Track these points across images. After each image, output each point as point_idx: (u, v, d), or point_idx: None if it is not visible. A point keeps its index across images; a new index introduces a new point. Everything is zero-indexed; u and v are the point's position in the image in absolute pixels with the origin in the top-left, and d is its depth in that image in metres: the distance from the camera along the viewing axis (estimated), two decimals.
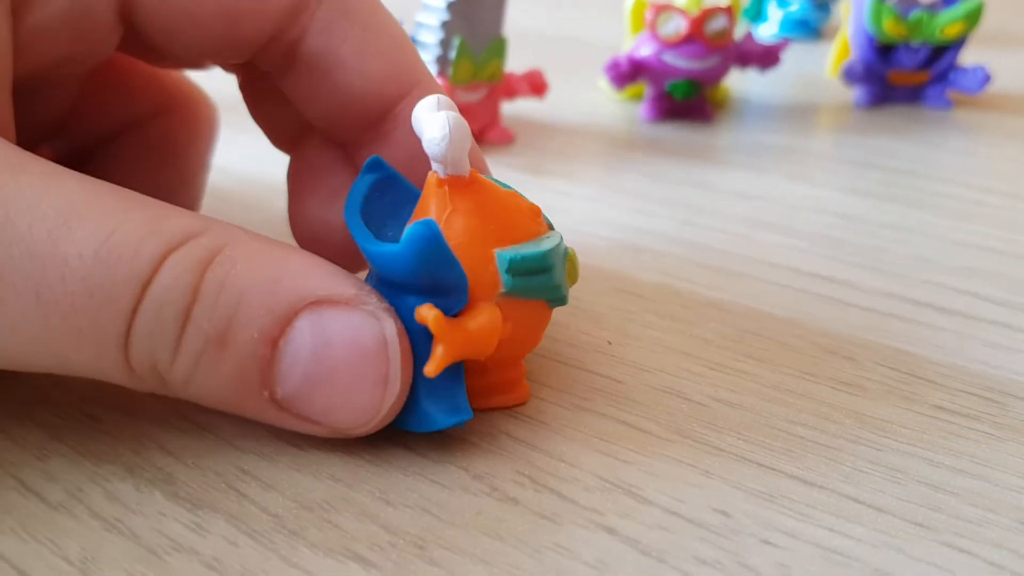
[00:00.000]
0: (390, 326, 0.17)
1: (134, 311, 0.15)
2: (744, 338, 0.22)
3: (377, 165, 0.19)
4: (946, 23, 0.37)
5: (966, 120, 0.39)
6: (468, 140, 0.17)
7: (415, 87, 0.20)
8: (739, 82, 0.43)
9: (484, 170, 0.21)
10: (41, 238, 0.15)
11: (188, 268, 0.16)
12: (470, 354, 0.17)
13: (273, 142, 0.23)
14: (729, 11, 0.36)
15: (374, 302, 0.17)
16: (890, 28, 0.37)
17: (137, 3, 0.18)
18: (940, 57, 0.39)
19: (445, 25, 0.32)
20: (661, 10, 0.35)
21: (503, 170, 0.33)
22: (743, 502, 0.17)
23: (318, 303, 0.17)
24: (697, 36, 0.35)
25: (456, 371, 0.18)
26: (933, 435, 0.19)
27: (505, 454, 0.18)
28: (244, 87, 0.22)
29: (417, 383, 0.17)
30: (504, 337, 0.18)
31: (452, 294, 0.17)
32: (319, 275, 0.17)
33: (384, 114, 0.20)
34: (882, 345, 0.22)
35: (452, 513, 0.17)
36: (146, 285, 0.15)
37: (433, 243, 0.16)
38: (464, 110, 0.33)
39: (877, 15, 0.37)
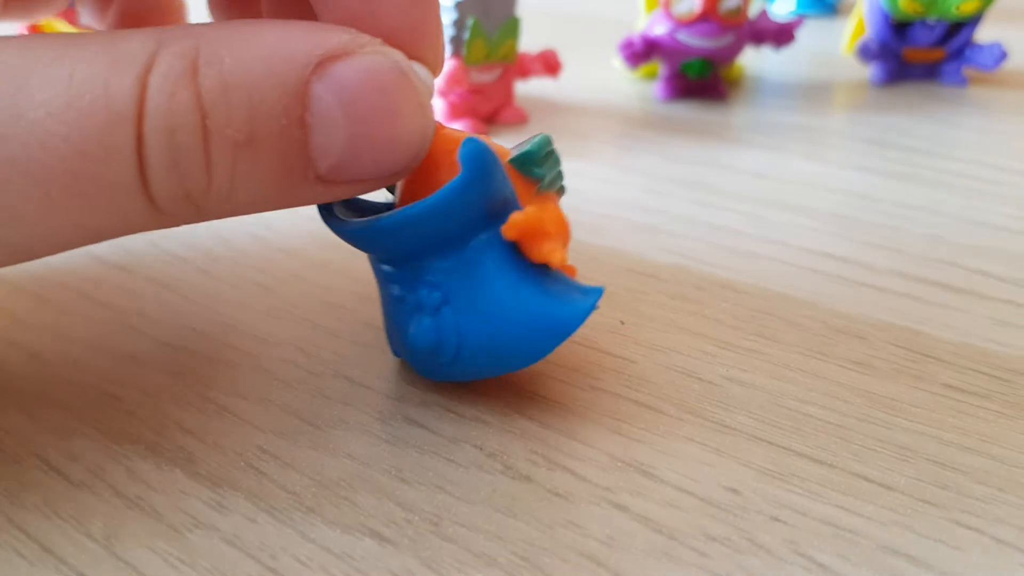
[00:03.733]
0: (399, 55, 0.16)
1: (139, 152, 0.15)
2: (756, 318, 0.23)
3: None
4: (962, 0, 0.37)
5: (982, 97, 0.39)
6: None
7: None
8: (754, 60, 0.43)
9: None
10: (3, 117, 0.14)
11: (177, 83, 0.15)
12: (562, 231, 0.18)
13: None
14: None
15: (368, 39, 0.16)
16: (906, 5, 0.37)
17: None
18: (956, 34, 0.39)
19: (459, 5, 0.32)
20: None
21: None
22: (753, 480, 0.17)
23: (321, 64, 0.16)
24: (711, 15, 0.35)
25: (547, 270, 0.18)
26: (942, 413, 0.19)
27: (519, 433, 0.18)
28: None
29: (541, 294, 0.17)
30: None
31: (507, 207, 0.17)
32: (303, 35, 0.16)
33: None
34: (892, 324, 0.22)
35: (466, 490, 0.17)
36: (139, 119, 0.14)
37: (488, 152, 0.16)
38: (478, 90, 0.34)
39: None
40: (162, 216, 0.16)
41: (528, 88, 0.38)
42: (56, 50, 0.15)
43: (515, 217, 0.17)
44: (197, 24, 0.16)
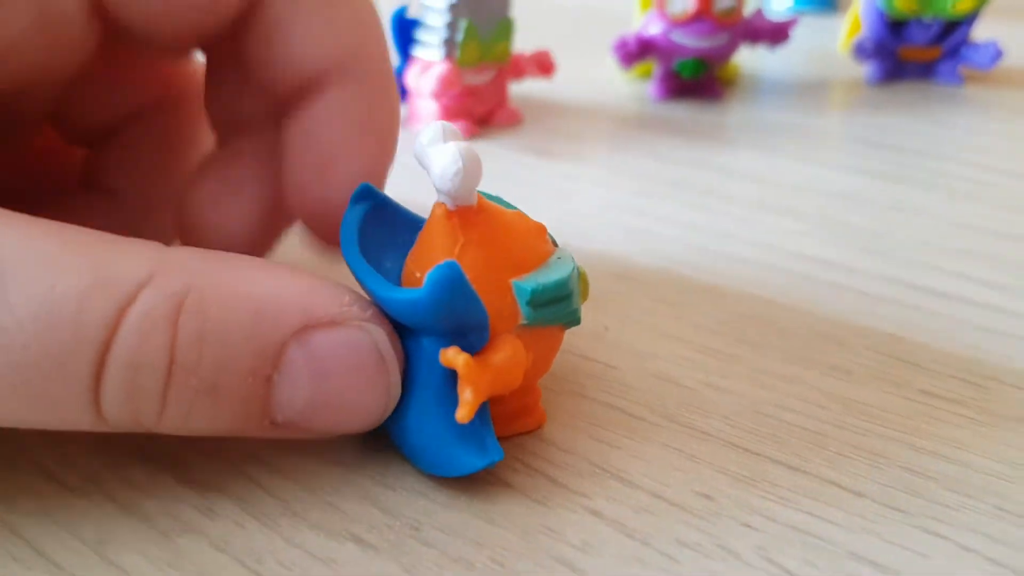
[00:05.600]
0: (381, 335, 0.17)
1: (96, 378, 0.15)
2: (738, 323, 0.23)
3: (367, 193, 0.19)
4: None
5: (978, 97, 0.39)
6: (480, 172, 0.16)
7: (353, 68, 0.20)
8: (750, 58, 0.43)
9: None
10: None
11: (156, 325, 0.15)
12: (499, 391, 0.17)
13: (213, 127, 0.22)
14: None
15: (357, 312, 0.17)
16: (901, 3, 0.37)
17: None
18: (952, 33, 0.39)
19: (452, 7, 0.32)
20: None
21: (510, 152, 0.33)
22: (726, 486, 0.18)
23: (304, 331, 0.16)
24: (706, 14, 0.35)
25: (483, 411, 0.17)
26: (917, 420, 0.20)
27: (501, 440, 0.19)
28: (209, 69, 0.22)
29: (444, 428, 0.17)
30: (526, 367, 0.18)
31: (473, 332, 0.17)
32: (297, 296, 0.16)
33: (320, 91, 0.20)
34: (874, 329, 0.23)
35: (447, 496, 0.17)
36: (105, 349, 0.14)
37: (458, 285, 0.16)
38: (472, 92, 0.34)
39: None
40: (110, 427, 0.16)
41: (522, 89, 0.39)
42: (51, 250, 0.15)
43: (452, 357, 0.16)
44: (197, 255, 0.16)
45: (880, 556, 0.16)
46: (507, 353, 0.17)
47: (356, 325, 0.17)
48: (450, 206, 0.17)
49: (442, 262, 0.16)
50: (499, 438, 0.18)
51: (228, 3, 0.19)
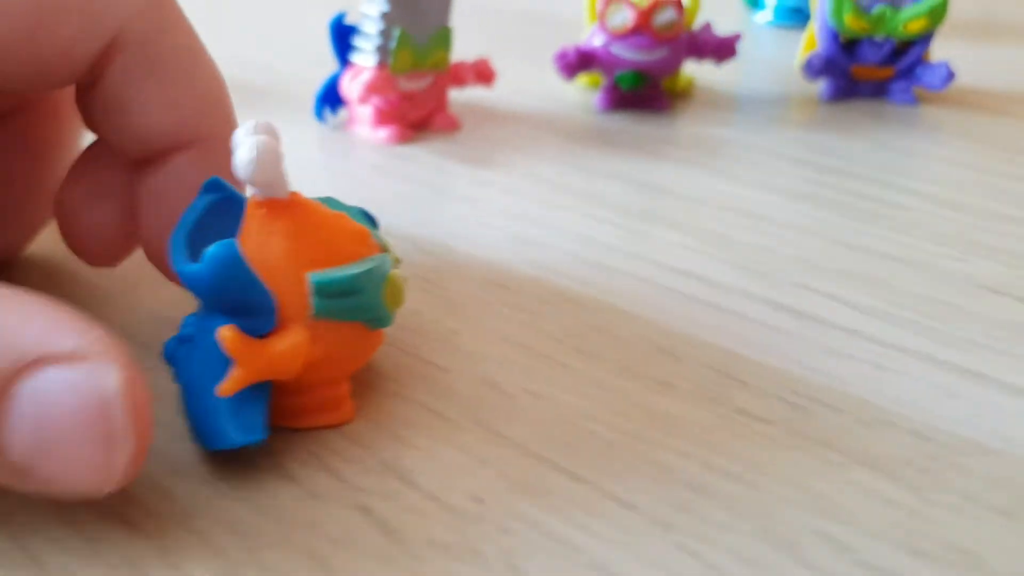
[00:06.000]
0: (112, 379, 0.15)
1: None
2: (585, 333, 0.23)
3: (215, 186, 0.20)
4: (909, 18, 0.36)
5: (927, 117, 0.38)
6: (278, 164, 0.18)
7: (198, 142, 0.21)
8: (708, 72, 0.43)
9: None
10: None
11: None
12: (272, 376, 0.18)
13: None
14: (678, 4, 0.36)
15: (98, 351, 0.15)
16: (851, 22, 0.37)
17: None
18: (906, 52, 0.38)
19: (384, 16, 0.33)
20: (611, 2, 0.36)
21: (433, 157, 0.34)
22: (503, 491, 0.18)
23: (37, 363, 0.15)
24: (644, 28, 0.35)
25: (259, 390, 0.18)
26: (721, 436, 0.19)
27: (306, 435, 0.19)
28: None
29: (217, 400, 0.18)
30: (315, 359, 0.18)
31: (259, 315, 0.18)
32: (37, 329, 0.15)
33: (166, 158, 0.21)
34: (716, 346, 0.23)
35: (231, 486, 0.18)
36: None
37: (231, 263, 0.17)
38: (409, 98, 0.35)
39: (838, 8, 0.37)
40: None
41: (472, 96, 0.39)
42: None
43: (222, 333, 0.17)
44: None
45: (622, 569, 0.16)
46: (287, 341, 0.18)
47: (89, 366, 0.15)
48: (259, 197, 0.18)
49: (222, 240, 0.17)
50: (301, 429, 0.19)
51: (57, 80, 0.20)
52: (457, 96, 0.38)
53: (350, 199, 0.22)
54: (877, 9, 0.37)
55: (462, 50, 0.38)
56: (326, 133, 0.37)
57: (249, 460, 0.19)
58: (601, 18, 0.36)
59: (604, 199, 0.31)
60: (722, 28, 0.40)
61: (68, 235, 0.23)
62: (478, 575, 0.16)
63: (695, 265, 0.27)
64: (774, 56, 0.46)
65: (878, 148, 0.35)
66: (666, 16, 0.35)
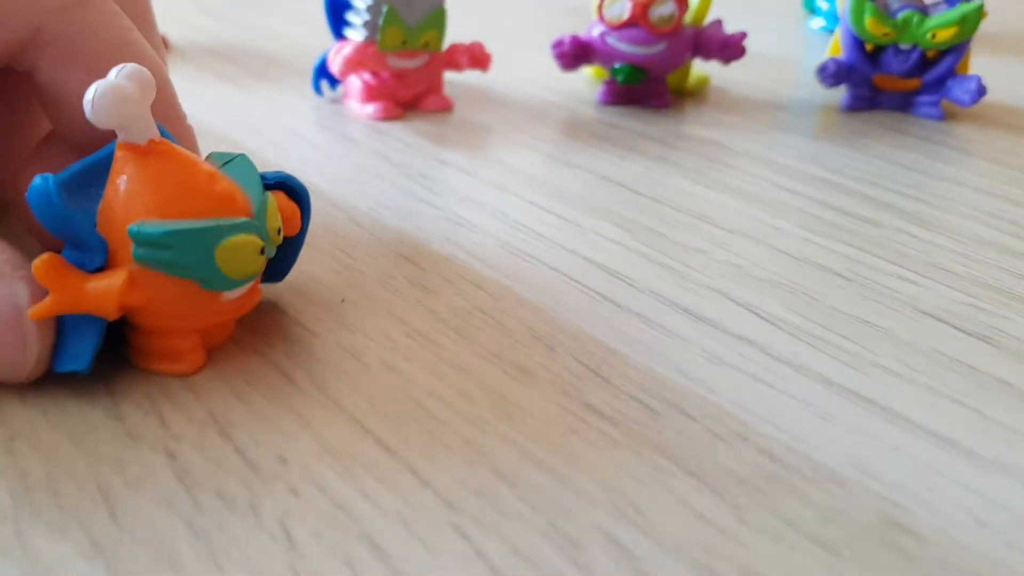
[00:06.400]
0: (23, 293, 0.18)
1: None
2: (471, 315, 0.23)
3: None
4: (937, 26, 0.34)
5: (946, 133, 0.36)
6: (122, 107, 0.18)
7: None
8: (734, 72, 0.41)
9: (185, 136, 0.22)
10: None
11: None
12: (87, 310, 0.18)
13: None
14: None
15: (10, 271, 0.18)
16: (872, 27, 0.35)
17: None
18: (935, 63, 0.35)
19: None
20: None
21: (406, 134, 0.34)
22: (309, 454, 0.18)
23: None
24: (640, 21, 0.34)
25: (93, 325, 0.19)
26: (555, 429, 0.19)
27: (151, 378, 0.20)
28: None
29: (60, 328, 0.19)
30: (137, 304, 0.19)
31: (88, 251, 0.19)
32: None
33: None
34: (597, 342, 0.22)
35: (62, 416, 0.19)
36: None
37: (42, 197, 0.18)
38: (401, 76, 0.35)
39: (858, 12, 0.35)
40: None
41: (471, 77, 0.39)
42: None
43: (36, 261, 0.18)
44: None
45: (389, 543, 0.16)
46: (103, 281, 0.18)
47: (6, 283, 0.18)
48: (121, 140, 0.19)
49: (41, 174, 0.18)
50: (150, 373, 0.20)
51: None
52: (471, 79, 0.38)
53: (319, 169, 0.22)
54: (903, 15, 0.35)
55: (479, 34, 0.38)
56: (322, 104, 0.37)
57: (87, 393, 0.19)
58: (599, 8, 0.35)
59: (558, 189, 0.30)
60: (776, 32, 0.38)
61: (24, 217, 0.24)
62: (247, 531, 0.16)
63: (617, 262, 0.26)
64: (811, 60, 0.44)
65: (872, 160, 0.33)
66: (664, 9, 0.34)
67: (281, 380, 0.20)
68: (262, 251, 0.20)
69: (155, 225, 0.18)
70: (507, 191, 0.30)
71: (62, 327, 0.19)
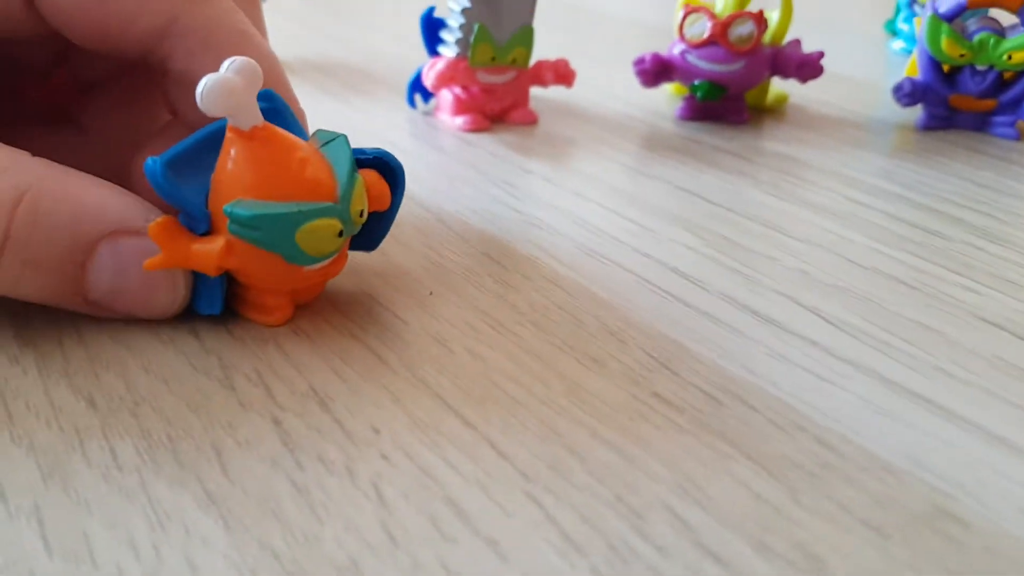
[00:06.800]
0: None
1: None
2: (548, 310, 0.24)
3: (266, 96, 0.23)
4: (1013, 48, 0.34)
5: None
6: (229, 97, 0.20)
7: None
8: (812, 91, 0.42)
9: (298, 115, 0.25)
10: None
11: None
12: (191, 266, 0.22)
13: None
14: (758, 18, 0.36)
15: (153, 219, 0.21)
16: (949, 49, 0.35)
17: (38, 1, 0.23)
18: (1013, 84, 0.36)
19: (465, 12, 0.36)
20: (691, 11, 0.36)
21: (493, 145, 0.36)
22: (399, 426, 0.20)
23: (115, 234, 0.22)
24: (720, 40, 0.36)
25: (218, 279, 0.22)
26: (623, 414, 0.20)
27: (259, 355, 0.22)
28: None
29: (196, 281, 0.23)
30: (232, 266, 0.22)
31: (193, 219, 0.22)
32: (113, 208, 0.22)
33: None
34: (667, 337, 0.23)
35: (181, 386, 0.21)
36: None
37: (151, 177, 0.21)
38: (489, 90, 0.37)
39: (934, 33, 0.35)
40: None
41: (556, 92, 0.41)
42: None
43: (151, 225, 0.21)
44: (44, 163, 0.21)
45: (469, 505, 0.18)
46: (204, 245, 0.21)
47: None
48: (231, 124, 0.21)
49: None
50: (260, 351, 0.22)
51: (123, 48, 0.23)
52: (556, 94, 0.40)
53: (411, 176, 0.24)
54: (978, 37, 0.35)
55: (565, 51, 0.40)
56: (415, 116, 0.40)
57: (202, 366, 0.21)
58: (680, 27, 0.36)
59: (636, 198, 0.32)
60: (857, 53, 0.39)
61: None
62: (343, 490, 0.18)
63: (690, 266, 0.27)
64: (891, 81, 0.45)
65: (945, 176, 0.34)
66: (743, 29, 0.35)
67: (374, 360, 0.22)
68: (340, 233, 0.22)
69: (246, 206, 0.21)
70: (587, 199, 0.32)
71: (197, 280, 0.23)
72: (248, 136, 0.21)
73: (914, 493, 0.18)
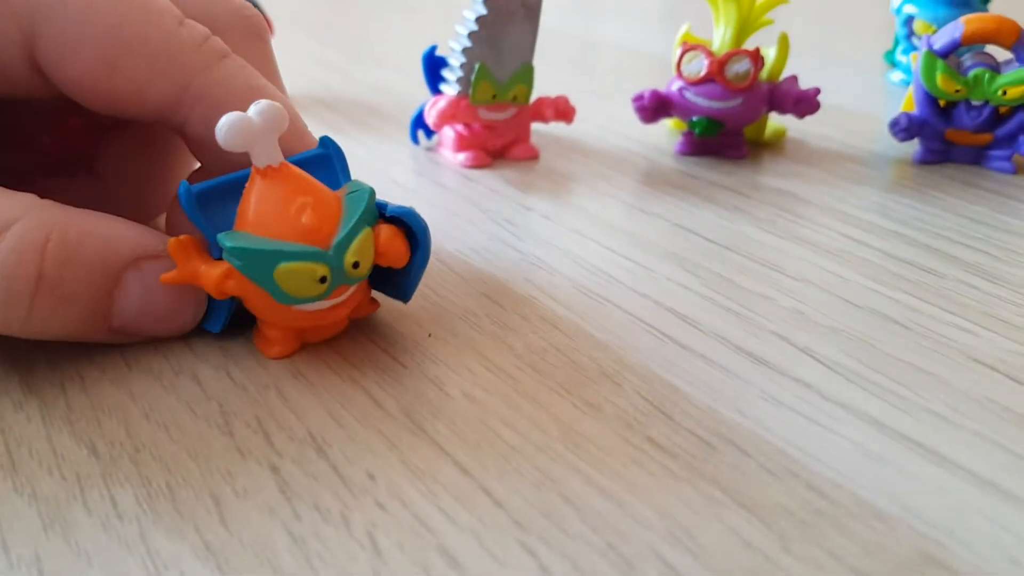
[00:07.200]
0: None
1: None
2: (545, 352, 0.25)
3: (323, 142, 0.24)
4: (1008, 83, 0.35)
5: (1023, 188, 0.36)
6: (240, 138, 0.21)
7: None
8: (809, 125, 0.42)
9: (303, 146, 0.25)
10: None
11: (28, 247, 0.21)
12: (198, 284, 0.23)
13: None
14: (754, 56, 0.36)
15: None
16: (944, 84, 0.36)
17: (47, 70, 0.23)
18: (1009, 118, 0.36)
19: (466, 51, 0.36)
20: (689, 49, 0.37)
21: (494, 181, 0.37)
22: (395, 473, 0.20)
23: (139, 260, 0.23)
24: (717, 77, 0.36)
25: (225, 302, 0.24)
26: (616, 460, 0.20)
27: (259, 400, 0.22)
28: None
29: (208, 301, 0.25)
30: (235, 293, 0.23)
31: (211, 244, 0.23)
32: (133, 237, 0.23)
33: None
34: (662, 380, 0.23)
35: (181, 432, 0.21)
36: None
37: (183, 200, 0.22)
38: (491, 127, 0.38)
39: (929, 69, 0.36)
40: None
41: (557, 127, 0.41)
42: None
43: (170, 241, 0.22)
44: (60, 207, 0.22)
45: (463, 555, 0.18)
46: (209, 268, 0.22)
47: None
48: (254, 162, 0.22)
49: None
50: (261, 399, 0.23)
51: (134, 115, 0.24)
52: (557, 129, 0.41)
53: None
54: (974, 72, 0.36)
55: (569, 84, 0.40)
56: (418, 152, 0.40)
57: (203, 412, 0.22)
58: (678, 65, 0.37)
59: (634, 236, 0.32)
60: (856, 85, 0.40)
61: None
62: (338, 539, 0.18)
63: (686, 306, 0.27)
64: (888, 115, 0.45)
65: (941, 212, 0.34)
66: (739, 67, 0.36)
67: (372, 405, 0.22)
68: (323, 279, 0.22)
69: (235, 238, 0.22)
70: (586, 236, 0.32)
71: (209, 299, 0.24)
72: (262, 173, 0.22)
73: (903, 540, 0.18)
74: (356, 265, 0.23)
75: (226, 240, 0.22)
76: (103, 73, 0.23)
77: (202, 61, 0.24)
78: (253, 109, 0.21)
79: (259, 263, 0.22)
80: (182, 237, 0.22)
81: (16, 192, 0.22)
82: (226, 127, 0.21)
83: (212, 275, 0.22)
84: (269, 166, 0.22)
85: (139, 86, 0.23)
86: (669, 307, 0.27)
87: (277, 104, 0.22)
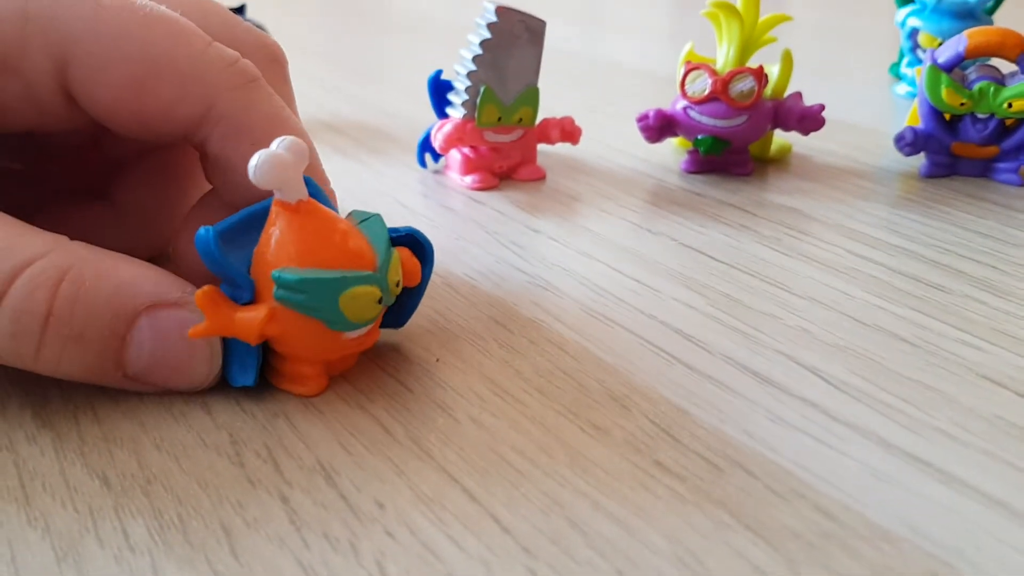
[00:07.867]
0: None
1: None
2: (553, 375, 0.25)
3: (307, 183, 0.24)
4: (1012, 96, 0.35)
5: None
6: (279, 173, 0.21)
7: None
8: (815, 141, 0.43)
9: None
10: None
11: (41, 285, 0.21)
12: (234, 334, 0.22)
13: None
14: (758, 74, 0.36)
15: (194, 300, 0.22)
16: (949, 98, 0.36)
17: (77, 95, 0.23)
18: (1015, 130, 0.36)
19: (471, 75, 0.36)
20: (692, 68, 0.37)
21: (501, 204, 0.37)
22: (403, 500, 0.20)
23: (153, 306, 0.23)
24: (721, 96, 0.36)
25: (252, 350, 0.23)
26: (624, 484, 0.21)
27: (269, 429, 0.23)
28: None
29: (228, 352, 0.23)
30: (274, 335, 0.22)
31: (238, 288, 0.23)
32: (150, 282, 0.23)
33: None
34: (669, 402, 0.24)
35: (192, 463, 0.21)
36: (1, 296, 0.21)
37: (203, 244, 0.22)
38: (497, 149, 0.38)
39: (933, 83, 0.36)
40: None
41: (564, 147, 0.41)
42: None
43: (197, 293, 0.22)
44: (84, 247, 0.22)
45: None
46: (249, 313, 0.22)
47: (191, 308, 0.23)
48: (277, 197, 0.22)
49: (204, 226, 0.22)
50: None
51: (162, 134, 0.24)
52: (564, 149, 0.41)
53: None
54: (978, 85, 0.36)
55: (574, 104, 0.41)
56: (425, 176, 0.40)
57: (213, 443, 0.22)
58: (682, 84, 0.37)
59: (640, 256, 0.32)
60: (861, 99, 0.40)
61: (184, 268, 0.26)
62: (347, 568, 0.18)
63: (692, 326, 0.27)
64: (895, 128, 0.45)
65: (948, 227, 0.34)
66: (743, 85, 0.36)
67: (380, 432, 0.22)
68: (380, 300, 0.23)
69: (294, 272, 0.22)
70: (592, 258, 0.32)
71: (227, 351, 0.23)
72: (294, 209, 0.22)
73: (912, 561, 0.18)
74: (397, 284, 0.24)
75: (287, 275, 0.22)
76: (133, 94, 0.23)
77: (229, 81, 0.24)
78: (282, 145, 0.22)
79: (326, 292, 0.22)
80: (207, 288, 0.22)
81: (47, 232, 0.22)
82: (260, 166, 0.21)
83: (254, 320, 0.22)
84: (300, 200, 0.22)
85: (168, 105, 0.24)
86: (676, 328, 0.27)
87: (300, 141, 0.22)
